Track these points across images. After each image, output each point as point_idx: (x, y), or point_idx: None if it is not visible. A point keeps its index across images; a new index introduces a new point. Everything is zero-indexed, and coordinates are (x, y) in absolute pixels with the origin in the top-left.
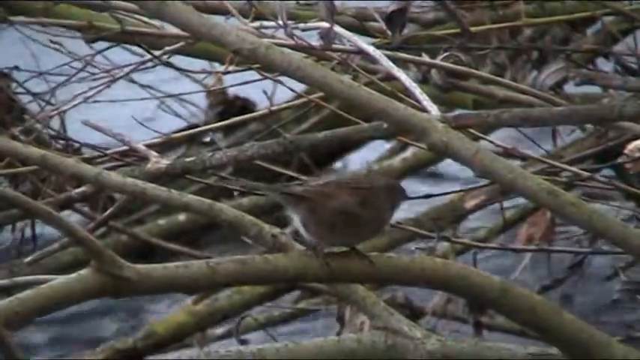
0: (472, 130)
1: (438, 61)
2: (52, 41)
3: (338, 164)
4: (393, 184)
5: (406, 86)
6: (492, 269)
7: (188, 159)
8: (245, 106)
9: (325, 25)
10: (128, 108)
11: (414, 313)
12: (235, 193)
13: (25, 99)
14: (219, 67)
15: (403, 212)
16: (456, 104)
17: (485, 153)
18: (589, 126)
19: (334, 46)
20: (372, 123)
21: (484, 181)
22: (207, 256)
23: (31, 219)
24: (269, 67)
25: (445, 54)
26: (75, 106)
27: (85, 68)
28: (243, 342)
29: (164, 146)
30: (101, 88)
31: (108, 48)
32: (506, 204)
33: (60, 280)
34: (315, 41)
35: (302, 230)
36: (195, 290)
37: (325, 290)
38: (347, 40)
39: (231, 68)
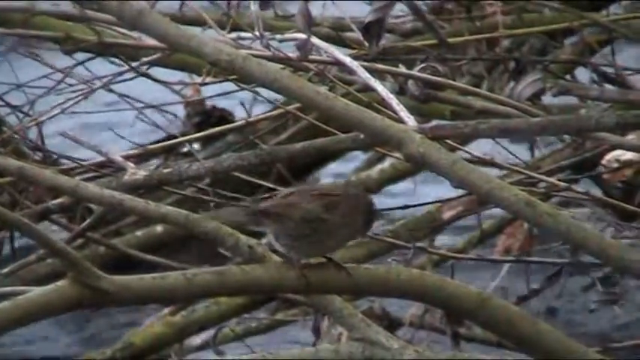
0: (449, 141)
1: (415, 72)
2: (30, 53)
3: (315, 175)
4: (365, 196)
5: (383, 97)
6: (470, 281)
7: (165, 170)
8: (223, 116)
9: (302, 36)
10: (106, 118)
11: (392, 324)
12: (212, 205)
13: (3, 111)
14: (196, 79)
15: (380, 223)
16: (433, 115)
17: (463, 164)
18: (567, 137)
19: (311, 57)
20: (350, 134)
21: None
22: (184, 268)
23: (9, 230)
24: (246, 79)
25: (422, 65)
26: (52, 117)
27: (64, 80)
28: (220, 353)
29: (141, 157)
30: (79, 99)
31: (87, 60)
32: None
33: (37, 291)
34: (292, 52)
35: (276, 243)
36: (172, 301)
37: (302, 301)
38: (324, 51)
39: (208, 79)
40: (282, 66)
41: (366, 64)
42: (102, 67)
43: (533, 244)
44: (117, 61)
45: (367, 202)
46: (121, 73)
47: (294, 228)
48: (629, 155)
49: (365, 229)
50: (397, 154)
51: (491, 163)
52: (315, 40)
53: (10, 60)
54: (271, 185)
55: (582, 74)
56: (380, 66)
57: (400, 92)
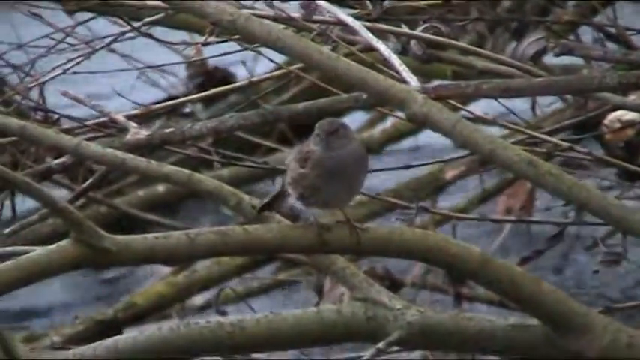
0: (451, 101)
1: (417, 32)
2: (31, 12)
3: None
4: (317, 125)
5: (386, 57)
6: (471, 240)
7: (167, 130)
8: (225, 77)
9: None
10: (107, 78)
11: (394, 285)
12: (215, 164)
13: (4, 71)
14: (198, 39)
15: (383, 182)
16: (435, 75)
17: (465, 124)
18: (568, 97)
19: (314, 17)
20: (352, 94)
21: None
22: (186, 227)
23: (11, 190)
24: (249, 38)
25: (425, 25)
26: (54, 77)
27: (65, 40)
28: (222, 313)
29: (144, 117)
30: (80, 59)
31: (88, 20)
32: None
33: (39, 251)
34: (295, 12)
35: (298, 206)
36: (174, 261)
37: (305, 261)
38: (327, 11)
39: (210, 39)
40: (284, 26)
41: (368, 24)
42: (103, 27)
43: (533, 204)
44: (119, 21)
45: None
46: (123, 33)
47: (297, 192)
48: (631, 115)
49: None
50: (399, 114)
51: (494, 123)
52: (318, 0)
53: (11, 19)
54: (273, 145)
55: (586, 34)
56: (383, 26)
57: (403, 52)
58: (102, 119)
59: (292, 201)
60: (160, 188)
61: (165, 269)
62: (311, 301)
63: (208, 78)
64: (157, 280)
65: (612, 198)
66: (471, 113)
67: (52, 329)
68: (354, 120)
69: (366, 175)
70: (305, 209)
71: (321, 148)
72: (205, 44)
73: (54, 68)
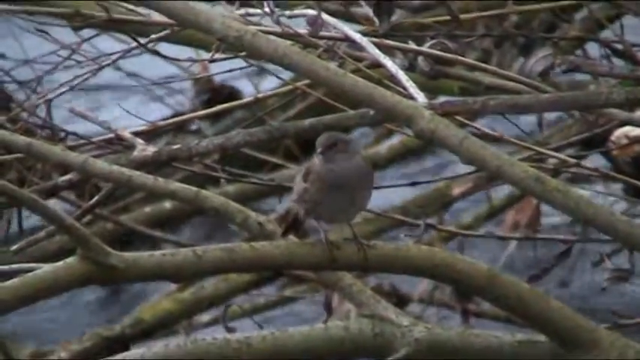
0: (459, 117)
1: (425, 48)
2: (38, 29)
3: None
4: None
5: (393, 73)
6: (479, 256)
7: (174, 147)
8: (231, 93)
9: (312, 12)
10: (114, 95)
11: (401, 301)
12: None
13: (11, 87)
14: (205, 55)
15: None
16: (442, 91)
17: (472, 140)
18: (575, 113)
19: (321, 33)
20: (359, 110)
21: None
22: (193, 244)
23: (18, 207)
24: (255, 55)
25: (432, 41)
26: (61, 94)
27: (72, 56)
28: (229, 330)
29: (150, 134)
30: (87, 76)
31: (94, 36)
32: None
33: (46, 268)
34: (301, 29)
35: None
36: (181, 278)
37: (311, 278)
38: (334, 27)
39: (217, 56)
40: (291, 42)
41: (375, 40)
42: (109, 44)
43: (540, 220)
44: (125, 38)
45: (318, 143)
46: (129, 50)
47: (300, 207)
48: (638, 131)
49: (325, 163)
50: (407, 131)
51: (501, 140)
52: (325, 16)
53: (18, 35)
54: (279, 161)
55: (592, 50)
56: (390, 42)
57: (410, 68)
58: (108, 136)
59: (302, 216)
60: (167, 205)
61: (170, 285)
62: (318, 317)
63: (215, 95)
64: (160, 295)
65: (619, 214)
66: (478, 129)
67: (58, 345)
68: (361, 135)
69: (370, 190)
70: (314, 226)
71: (319, 162)
72: (212, 61)
73: (61, 85)
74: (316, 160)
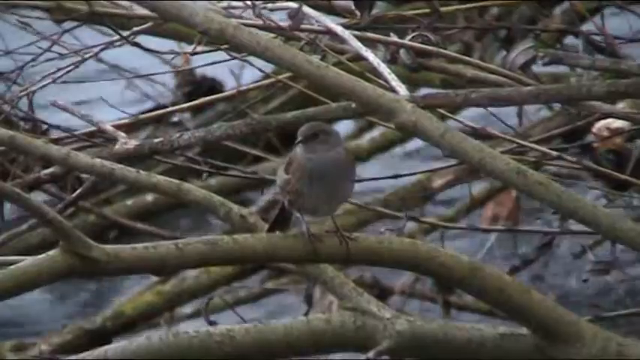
0: (440, 110)
1: (406, 40)
2: (19, 21)
3: None
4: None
5: (374, 66)
6: (459, 249)
7: (156, 140)
8: (213, 86)
9: (293, 5)
10: (95, 92)
11: (383, 293)
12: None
13: None
14: (187, 48)
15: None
16: (424, 84)
17: (454, 133)
18: (556, 105)
19: (302, 26)
20: (341, 103)
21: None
22: (175, 237)
23: (0, 200)
24: (237, 48)
25: (414, 34)
26: (44, 87)
27: (54, 48)
28: (211, 322)
29: (132, 127)
30: (70, 68)
31: (74, 27)
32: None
33: (28, 261)
34: (283, 21)
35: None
36: (163, 271)
37: (293, 270)
38: (315, 20)
39: (199, 49)
40: (273, 35)
41: (357, 32)
42: (91, 36)
43: (520, 212)
44: (107, 30)
45: (299, 134)
46: (111, 42)
47: (283, 198)
48: (619, 123)
49: (305, 153)
50: (388, 123)
51: (482, 132)
52: (306, 9)
53: None
54: (260, 154)
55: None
56: (371, 35)
57: (392, 61)
58: (90, 129)
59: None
60: (149, 197)
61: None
62: (300, 308)
63: (196, 87)
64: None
65: (601, 206)
66: (460, 122)
67: (40, 338)
68: (342, 128)
69: (352, 182)
70: (297, 218)
71: (300, 152)
72: (194, 53)
73: (43, 77)
74: (298, 151)
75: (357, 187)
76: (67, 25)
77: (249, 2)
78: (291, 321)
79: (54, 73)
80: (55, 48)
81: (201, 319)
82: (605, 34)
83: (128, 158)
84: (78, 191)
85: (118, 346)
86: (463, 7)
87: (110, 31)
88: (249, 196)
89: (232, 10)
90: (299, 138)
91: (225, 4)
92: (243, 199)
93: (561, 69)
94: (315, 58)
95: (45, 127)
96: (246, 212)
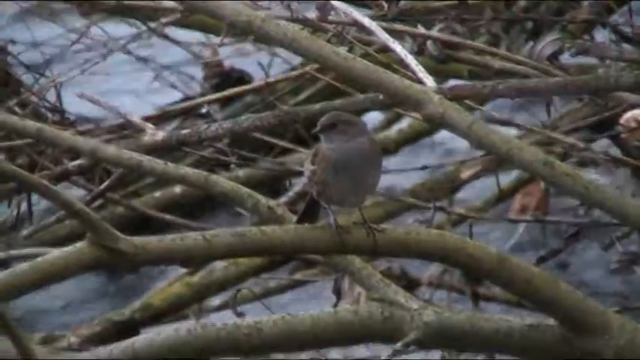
0: (468, 101)
1: (433, 32)
2: (47, 14)
3: None
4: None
5: (402, 58)
6: (487, 239)
7: (184, 131)
8: (241, 78)
9: None
10: (124, 79)
11: (411, 284)
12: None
13: (19, 71)
14: (214, 40)
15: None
16: (451, 75)
17: (481, 124)
18: (584, 96)
19: (330, 18)
20: (368, 94)
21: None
22: (203, 228)
23: (28, 192)
24: (265, 40)
25: (441, 25)
26: (72, 78)
27: (81, 40)
28: (239, 314)
29: (160, 119)
30: (98, 60)
31: (102, 20)
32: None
33: (56, 253)
34: (311, 13)
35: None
36: (191, 263)
37: (322, 262)
38: (343, 11)
39: (226, 40)
40: (300, 27)
41: (384, 24)
42: (116, 29)
43: (549, 203)
44: (134, 22)
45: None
46: (139, 34)
47: (312, 190)
48: None
49: (326, 143)
50: (416, 114)
51: (510, 123)
52: (333, 1)
53: (27, 20)
54: (288, 145)
55: (600, 33)
56: (399, 26)
57: (419, 53)
58: (119, 121)
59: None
60: (177, 189)
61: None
62: (329, 298)
63: (225, 78)
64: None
65: (629, 198)
66: (488, 113)
67: (68, 330)
68: (371, 119)
69: (379, 173)
70: (325, 209)
71: (322, 143)
72: (221, 45)
73: (71, 69)
74: (322, 142)
75: (384, 178)
76: (95, 17)
77: None
78: (318, 312)
79: (82, 64)
80: (84, 41)
81: (230, 310)
82: (633, 25)
83: (156, 150)
84: (106, 183)
85: (146, 337)
86: None
87: (137, 23)
88: (277, 187)
89: (260, 2)
90: (317, 128)
91: None
92: (271, 191)
93: (589, 60)
94: (343, 50)
95: (73, 118)
96: (274, 204)
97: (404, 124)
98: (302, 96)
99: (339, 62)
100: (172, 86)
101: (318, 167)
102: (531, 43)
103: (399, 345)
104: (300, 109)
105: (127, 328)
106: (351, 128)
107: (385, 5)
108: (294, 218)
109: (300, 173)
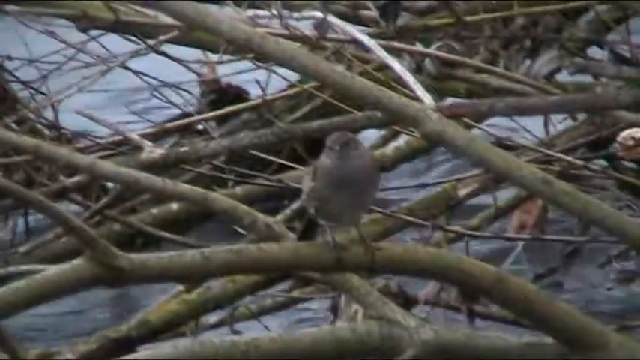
0: (465, 119)
1: (431, 50)
2: (45, 29)
3: None
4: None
5: (400, 75)
6: (484, 257)
7: (182, 149)
8: (238, 95)
9: (319, 14)
10: (120, 100)
11: (408, 302)
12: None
13: (16, 87)
14: (212, 57)
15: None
16: (449, 93)
17: (480, 142)
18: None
19: (328, 35)
20: (366, 112)
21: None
22: (201, 245)
23: (25, 209)
24: (263, 57)
25: (439, 43)
26: (69, 95)
27: (78, 56)
28: (236, 331)
29: (157, 135)
30: (95, 77)
31: (99, 36)
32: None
33: (54, 269)
34: (309, 31)
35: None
36: (188, 280)
37: (319, 279)
38: (341, 29)
39: (225, 57)
40: (299, 45)
41: (383, 42)
42: (116, 45)
43: (546, 220)
44: (132, 38)
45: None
46: (137, 51)
47: (310, 206)
48: None
49: (339, 160)
50: (413, 132)
51: (507, 142)
52: (332, 18)
53: (23, 35)
54: (285, 162)
55: (595, 52)
56: (397, 44)
57: (417, 70)
58: (116, 138)
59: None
60: (174, 206)
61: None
62: (325, 314)
63: (222, 95)
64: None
65: (627, 216)
66: (486, 131)
67: (65, 346)
68: (366, 138)
69: (376, 190)
70: (323, 226)
71: (333, 159)
72: (220, 62)
73: (69, 86)
74: (324, 158)
75: (382, 196)
76: (93, 33)
77: (275, 12)
78: (316, 330)
79: (80, 81)
80: (82, 57)
81: (226, 328)
82: (630, 44)
83: (154, 167)
84: (104, 200)
85: (144, 354)
86: (488, 17)
87: (136, 40)
88: (274, 205)
89: (258, 20)
90: (335, 145)
91: (251, 13)
92: (269, 208)
93: (586, 78)
94: (341, 68)
95: (70, 135)
96: (272, 221)
97: (400, 141)
98: (298, 113)
99: (337, 80)
100: (170, 103)
101: (318, 183)
102: (529, 61)
103: None
104: (298, 126)
105: (124, 345)
106: (360, 145)
107: (383, 23)
108: (292, 236)
109: (298, 190)
